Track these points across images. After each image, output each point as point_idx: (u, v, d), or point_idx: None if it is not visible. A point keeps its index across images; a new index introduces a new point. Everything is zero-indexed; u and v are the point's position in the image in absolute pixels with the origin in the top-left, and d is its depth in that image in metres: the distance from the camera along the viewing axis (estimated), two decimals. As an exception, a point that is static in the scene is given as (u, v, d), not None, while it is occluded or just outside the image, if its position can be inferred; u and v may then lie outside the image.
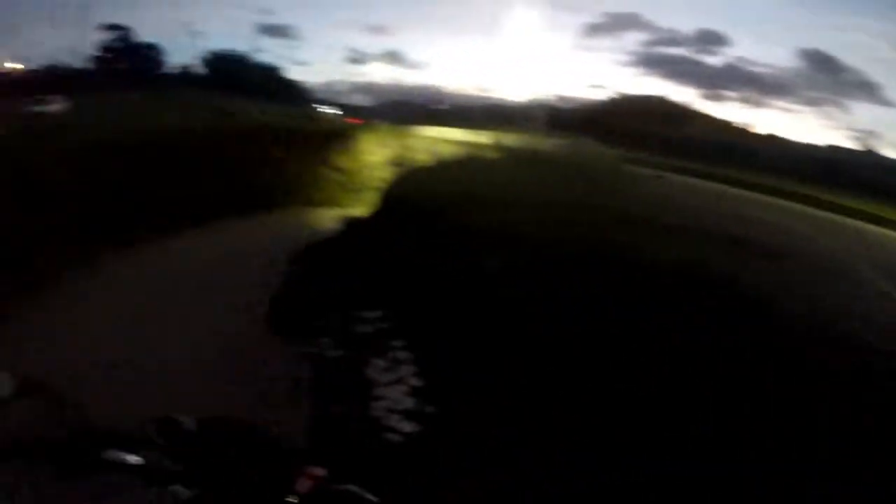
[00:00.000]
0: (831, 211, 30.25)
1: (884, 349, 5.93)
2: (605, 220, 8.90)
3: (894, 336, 6.82)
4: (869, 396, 4.92)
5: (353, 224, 7.94)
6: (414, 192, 8.89)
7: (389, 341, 4.14)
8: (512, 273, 5.49)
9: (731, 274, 7.30)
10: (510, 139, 29.95)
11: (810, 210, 27.93)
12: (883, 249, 18.17)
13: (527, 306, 4.89)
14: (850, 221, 27.90)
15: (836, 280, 9.43)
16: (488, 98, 48.61)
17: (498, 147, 22.51)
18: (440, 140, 22.03)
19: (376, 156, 13.48)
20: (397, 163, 12.55)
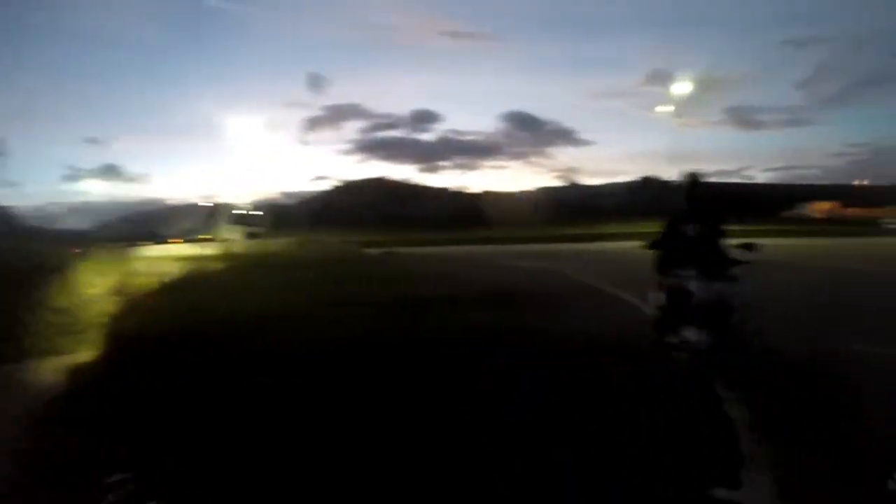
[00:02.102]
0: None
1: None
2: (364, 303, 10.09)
3: None
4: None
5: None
6: (138, 323, 8.42)
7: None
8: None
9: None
10: (238, 246, 30.19)
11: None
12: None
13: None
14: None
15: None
16: (214, 205, 48.55)
17: (226, 257, 21.86)
18: (166, 258, 21.08)
19: (96, 287, 11.94)
20: (119, 292, 11.14)
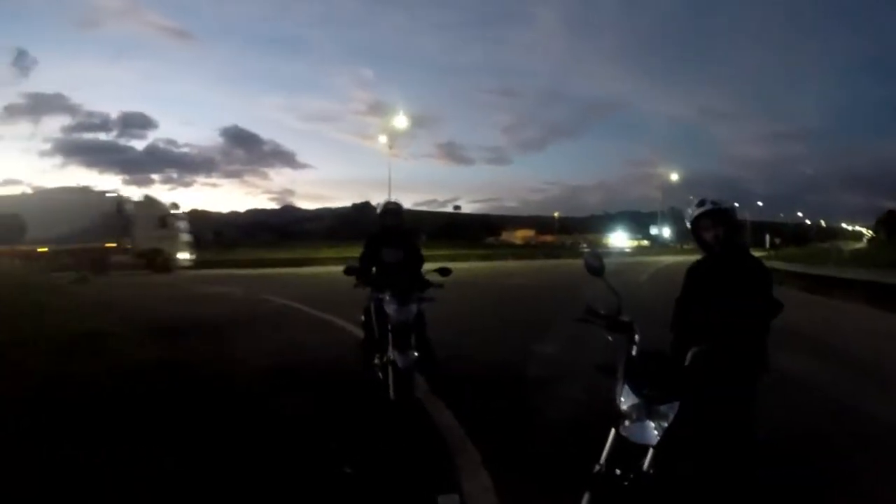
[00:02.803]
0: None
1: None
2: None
3: None
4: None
5: None
6: None
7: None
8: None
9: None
10: None
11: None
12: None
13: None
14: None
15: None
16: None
17: None
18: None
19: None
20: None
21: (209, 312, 13.39)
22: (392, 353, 5.25)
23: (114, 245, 31.46)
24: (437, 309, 5.87)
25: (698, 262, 3.30)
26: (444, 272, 5.93)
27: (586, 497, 2.62)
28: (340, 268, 6.19)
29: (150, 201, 34.30)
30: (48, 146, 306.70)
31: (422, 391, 5.82)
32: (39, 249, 29.98)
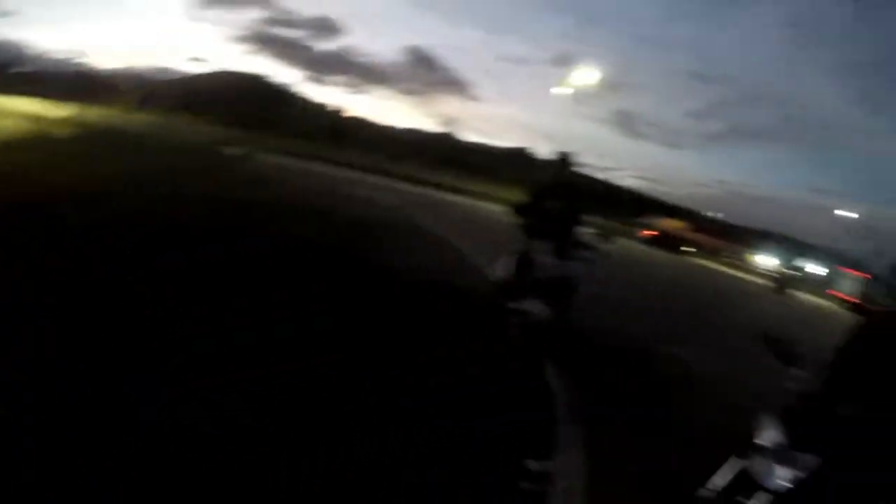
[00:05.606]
0: (417, 184, 34.12)
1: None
2: (202, 204, 8.92)
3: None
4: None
5: None
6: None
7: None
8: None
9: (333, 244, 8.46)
10: (94, 114, 26.12)
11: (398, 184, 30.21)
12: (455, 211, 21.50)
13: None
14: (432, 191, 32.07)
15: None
16: (80, 63, 38.97)
17: (78, 123, 18.35)
18: (6, 113, 16.76)
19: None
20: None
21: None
22: (531, 304, 5.12)
23: None
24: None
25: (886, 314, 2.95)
26: (607, 237, 5.63)
27: None
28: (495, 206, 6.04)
29: None
30: (241, 34, 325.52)
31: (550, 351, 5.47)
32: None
